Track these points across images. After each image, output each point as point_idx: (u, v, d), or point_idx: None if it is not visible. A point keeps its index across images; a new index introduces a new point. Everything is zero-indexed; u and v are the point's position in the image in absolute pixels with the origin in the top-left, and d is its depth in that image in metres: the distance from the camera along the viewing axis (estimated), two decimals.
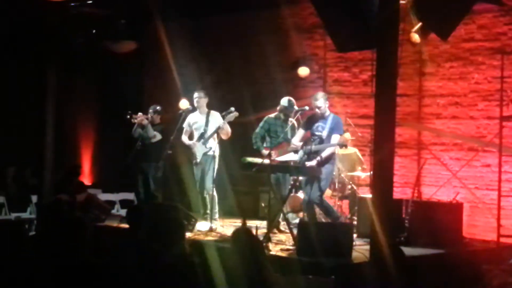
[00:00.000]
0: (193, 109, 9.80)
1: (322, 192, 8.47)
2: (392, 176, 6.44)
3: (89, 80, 13.75)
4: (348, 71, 11.53)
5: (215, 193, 9.45)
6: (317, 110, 8.66)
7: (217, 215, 9.48)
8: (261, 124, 9.42)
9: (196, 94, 9.65)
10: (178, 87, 12.26)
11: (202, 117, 9.60)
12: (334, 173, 8.93)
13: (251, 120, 9.89)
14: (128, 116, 9.98)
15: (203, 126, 9.54)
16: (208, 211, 9.33)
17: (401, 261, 5.47)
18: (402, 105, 10.46)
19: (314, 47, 11.90)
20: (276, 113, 9.39)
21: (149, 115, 10.12)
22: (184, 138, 9.65)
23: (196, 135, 9.60)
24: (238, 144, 10.02)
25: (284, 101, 9.27)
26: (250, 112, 10.82)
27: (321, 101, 8.61)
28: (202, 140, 9.46)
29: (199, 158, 9.46)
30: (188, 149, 9.69)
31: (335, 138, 8.42)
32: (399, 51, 6.82)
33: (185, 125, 9.67)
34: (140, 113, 10.06)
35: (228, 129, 9.30)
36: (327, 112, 8.63)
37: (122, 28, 11.90)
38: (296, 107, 9.19)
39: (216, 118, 9.50)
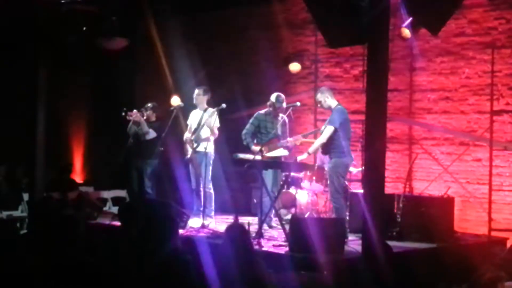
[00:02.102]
0: (185, 106, 9.81)
1: (334, 187, 8.37)
2: (384, 171, 6.47)
3: (81, 78, 13.71)
4: (340, 66, 11.54)
5: (212, 191, 9.47)
6: (318, 105, 8.71)
7: (212, 213, 9.49)
8: (251, 120, 9.43)
9: (196, 91, 9.64)
10: (170, 83, 12.24)
11: (198, 113, 9.62)
12: (343, 167, 8.50)
13: (243, 116, 9.89)
14: (123, 114, 9.97)
15: (197, 122, 9.55)
16: (201, 208, 9.34)
17: (388, 256, 5.50)
18: (393, 100, 10.48)
19: (305, 42, 11.91)
20: (266, 109, 9.40)
21: (145, 112, 10.10)
22: (186, 135, 9.65)
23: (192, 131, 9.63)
24: (229, 140, 10.02)
25: (273, 96, 9.30)
26: (241, 108, 10.81)
27: (318, 96, 8.66)
28: (193, 137, 9.49)
29: (189, 154, 9.49)
30: (183, 146, 9.72)
31: (327, 131, 8.39)
32: (390, 46, 6.84)
33: (188, 122, 9.71)
34: (135, 110, 10.04)
35: (211, 125, 9.29)
36: (333, 105, 8.56)
37: (114, 25, 11.86)
38: (284, 104, 9.21)
39: (209, 114, 9.51)
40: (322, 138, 8.40)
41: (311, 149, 8.68)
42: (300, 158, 8.91)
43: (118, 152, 10.13)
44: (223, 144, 10.05)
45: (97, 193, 11.98)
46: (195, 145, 9.41)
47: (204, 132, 9.42)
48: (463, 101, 10.23)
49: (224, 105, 9.26)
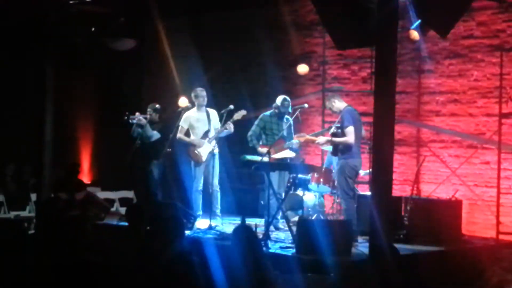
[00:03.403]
0: (193, 107, 9.80)
1: (342, 188, 8.40)
2: (392, 174, 6.45)
3: (88, 78, 13.74)
4: (347, 68, 11.53)
5: (218, 189, 9.50)
6: (330, 111, 8.76)
7: (218, 210, 9.52)
8: (256, 121, 9.43)
9: (204, 92, 9.61)
10: (177, 84, 12.25)
11: (203, 114, 9.60)
12: (350, 169, 8.40)
13: (250, 118, 9.89)
14: (126, 117, 9.98)
15: (207, 124, 9.53)
16: (209, 209, 9.36)
17: (395, 259, 5.48)
18: (401, 102, 10.46)
19: (313, 44, 11.90)
20: (271, 110, 9.40)
21: (148, 114, 10.11)
22: (183, 136, 9.59)
23: (198, 133, 9.56)
24: (236, 142, 10.02)
25: (278, 100, 9.29)
26: (249, 109, 10.81)
27: (326, 104, 8.84)
28: (207, 138, 9.44)
29: (204, 156, 9.43)
30: (186, 147, 9.66)
31: (349, 132, 8.32)
32: (398, 48, 6.83)
33: (182, 123, 9.60)
34: (137, 113, 10.05)
35: (232, 128, 9.32)
36: (342, 107, 8.55)
37: (122, 25, 11.89)
38: (290, 108, 9.21)
39: (215, 116, 9.53)
40: (350, 139, 8.30)
41: (337, 139, 8.55)
42: (320, 139, 8.83)
43: (125, 153, 10.13)
44: (230, 146, 10.05)
45: (104, 194, 11.99)
46: (212, 147, 9.38)
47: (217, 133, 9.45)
48: (471, 103, 10.20)
49: (231, 107, 9.29)
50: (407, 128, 10.76)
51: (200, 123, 9.57)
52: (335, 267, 6.77)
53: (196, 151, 9.44)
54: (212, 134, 9.42)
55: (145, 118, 10.01)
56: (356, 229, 8.26)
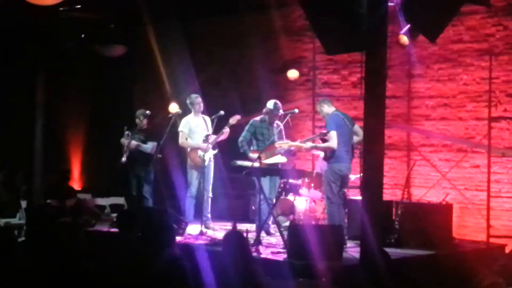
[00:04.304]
0: (183, 113, 9.81)
1: (325, 193, 8.44)
2: (382, 178, 6.46)
3: (79, 85, 13.70)
4: (337, 73, 11.56)
5: (211, 196, 9.54)
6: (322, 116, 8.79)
7: (209, 214, 9.59)
8: (247, 127, 9.43)
9: (199, 99, 9.65)
10: (168, 90, 12.26)
11: (200, 120, 9.65)
12: (333, 173, 8.37)
13: (241, 123, 9.90)
14: (121, 164, 10.04)
15: (205, 129, 9.56)
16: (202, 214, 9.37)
17: (386, 264, 5.49)
18: (391, 107, 10.49)
19: (303, 49, 11.92)
20: (261, 116, 9.40)
21: (138, 119, 10.09)
22: (186, 141, 9.60)
23: (197, 138, 9.59)
24: (227, 147, 10.02)
25: (270, 104, 9.30)
26: (239, 115, 10.83)
27: (317, 107, 8.80)
28: (208, 143, 9.45)
29: (207, 160, 9.43)
30: (187, 152, 9.67)
31: (332, 137, 8.32)
32: (388, 53, 6.85)
33: (183, 128, 9.65)
34: (125, 127, 10.04)
35: (227, 134, 9.39)
36: (330, 112, 8.57)
37: (112, 32, 11.88)
38: (281, 111, 9.22)
39: (209, 122, 9.59)
40: (332, 144, 8.30)
41: (320, 145, 8.60)
42: (305, 145, 8.84)
43: (116, 159, 10.11)
44: (221, 151, 10.05)
45: (95, 200, 11.96)
46: (215, 151, 9.42)
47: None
48: (461, 107, 10.24)
49: (222, 112, 9.30)
50: (397, 133, 10.79)
51: (199, 128, 9.64)
52: (327, 271, 6.78)
53: (199, 155, 9.46)
54: (211, 139, 9.45)
55: (134, 132, 10.01)
56: (345, 233, 8.29)
